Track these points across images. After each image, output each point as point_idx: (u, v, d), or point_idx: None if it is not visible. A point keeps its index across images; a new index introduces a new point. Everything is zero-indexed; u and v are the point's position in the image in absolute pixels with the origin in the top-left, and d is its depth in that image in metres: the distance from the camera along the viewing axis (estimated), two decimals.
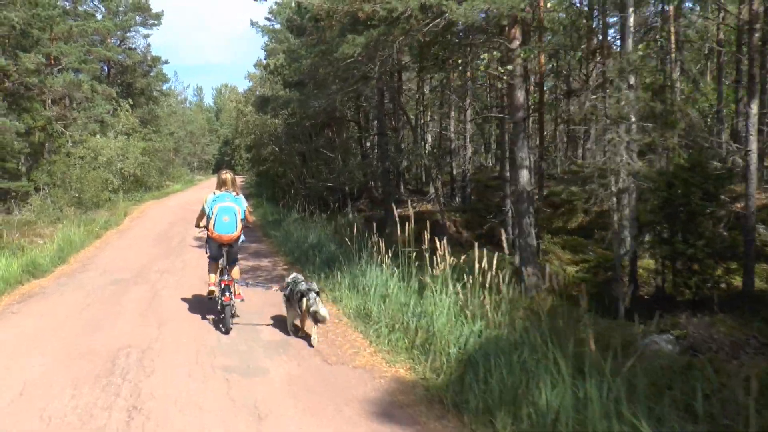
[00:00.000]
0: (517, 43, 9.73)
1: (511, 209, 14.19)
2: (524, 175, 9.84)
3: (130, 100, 34.71)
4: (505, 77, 9.99)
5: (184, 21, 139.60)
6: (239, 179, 57.91)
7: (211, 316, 7.86)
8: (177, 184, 44.84)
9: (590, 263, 12.63)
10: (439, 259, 6.78)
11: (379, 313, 7.30)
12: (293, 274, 7.44)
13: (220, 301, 7.36)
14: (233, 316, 7.28)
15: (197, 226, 7.91)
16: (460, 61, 17.94)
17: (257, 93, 27.41)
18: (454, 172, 20.42)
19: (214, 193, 7.39)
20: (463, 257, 7.01)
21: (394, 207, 19.11)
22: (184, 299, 8.96)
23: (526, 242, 9.76)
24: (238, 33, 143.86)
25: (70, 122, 23.16)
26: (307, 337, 6.83)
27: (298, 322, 7.05)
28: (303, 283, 6.97)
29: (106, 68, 40.30)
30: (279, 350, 6.52)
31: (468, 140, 20.92)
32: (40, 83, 20.75)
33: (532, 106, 17.95)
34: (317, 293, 6.69)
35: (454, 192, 20.38)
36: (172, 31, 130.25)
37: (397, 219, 8.78)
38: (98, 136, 30.51)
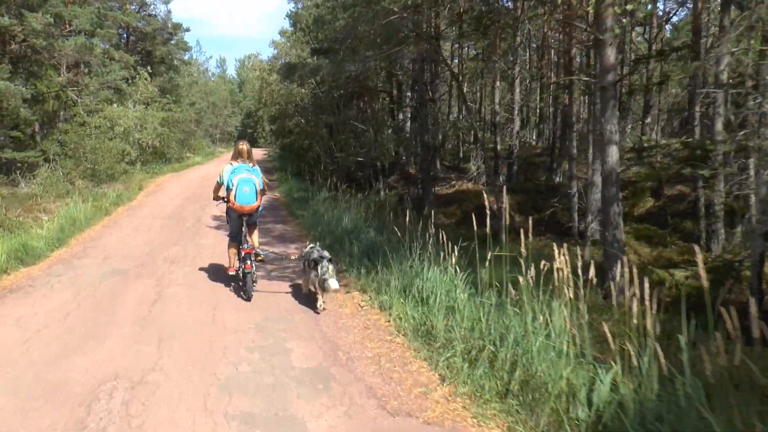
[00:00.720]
0: None
1: (578, 192, 12.28)
2: (613, 153, 7.96)
3: (149, 68, 33.01)
4: (588, 30, 8.07)
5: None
6: (261, 152, 56.68)
7: (225, 332, 6.16)
8: (198, 156, 43.27)
9: (707, 266, 10.40)
10: (521, 261, 4.95)
11: (448, 334, 5.55)
12: (310, 244, 7.63)
13: (241, 270, 7.51)
14: (254, 282, 7.50)
15: (215, 198, 8.21)
16: (511, 23, 16.00)
17: (282, 61, 25.53)
18: (498, 147, 18.52)
19: (231, 164, 7.52)
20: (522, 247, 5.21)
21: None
22: (193, 301, 7.25)
23: (614, 236, 7.91)
24: (264, 7, 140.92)
25: (82, 88, 21.43)
26: (314, 303, 6.97)
27: (311, 287, 7.09)
28: (316, 251, 7.12)
29: (125, 35, 38.73)
30: (317, 385, 4.80)
31: (516, 113, 18.91)
32: (49, 46, 19.06)
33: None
34: (330, 260, 6.89)
35: (498, 170, 18.50)
36: (195, 4, 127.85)
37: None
38: (115, 105, 29.03)
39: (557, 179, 17.83)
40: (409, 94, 26.59)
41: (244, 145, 7.69)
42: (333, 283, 6.60)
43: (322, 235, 11.25)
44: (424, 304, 6.37)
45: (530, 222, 5.36)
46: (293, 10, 33.37)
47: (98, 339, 5.82)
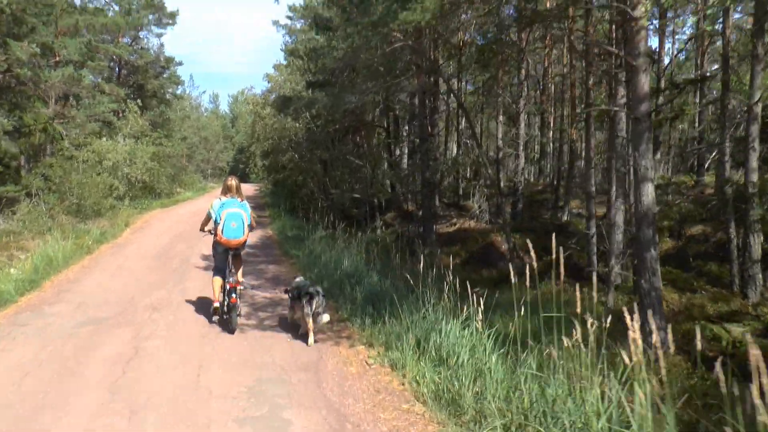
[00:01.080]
0: (642, 9, 7.06)
1: (596, 233, 11.43)
2: (649, 191, 7.13)
3: (138, 101, 32.31)
4: (620, 54, 7.31)
5: (200, 32, 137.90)
6: (253, 188, 55.85)
7: (210, 399, 5.22)
8: (189, 191, 42.41)
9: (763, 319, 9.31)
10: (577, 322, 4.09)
11: (479, 404, 4.63)
12: (299, 278, 7.95)
13: (226, 303, 7.41)
14: (239, 315, 7.60)
15: (201, 230, 8.31)
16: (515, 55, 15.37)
17: (275, 95, 24.92)
18: (502, 184, 17.76)
19: (220, 198, 7.68)
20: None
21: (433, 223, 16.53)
22: (175, 359, 6.30)
23: (650, 284, 7.06)
24: (256, 45, 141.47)
25: (68, 121, 20.57)
26: (305, 337, 6.99)
27: (298, 321, 7.29)
28: (308, 285, 7.22)
29: (116, 68, 38.17)
30: None
31: (521, 148, 18.17)
32: (35, 77, 18.31)
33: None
34: (323, 295, 7.04)
35: (502, 207, 17.69)
36: (189, 42, 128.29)
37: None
38: (104, 138, 28.27)
39: (564, 217, 17.02)
40: (406, 128, 25.98)
41: (233, 181, 7.87)
42: (325, 317, 6.96)
43: (319, 278, 10.36)
44: (444, 365, 5.47)
45: (559, 265, 4.49)
46: (287, 43, 33.06)
47: (57, 410, 4.85)
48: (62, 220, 19.69)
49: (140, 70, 37.01)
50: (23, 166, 23.05)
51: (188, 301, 9.07)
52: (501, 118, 18.30)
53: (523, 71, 17.90)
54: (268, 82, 26.76)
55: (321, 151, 22.60)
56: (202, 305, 8.72)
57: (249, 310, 8.64)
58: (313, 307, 6.79)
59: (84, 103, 22.33)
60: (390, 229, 21.99)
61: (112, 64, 38.43)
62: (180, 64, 41.08)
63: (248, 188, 61.88)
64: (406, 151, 25.13)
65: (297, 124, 24.13)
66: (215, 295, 7.68)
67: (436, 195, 20.76)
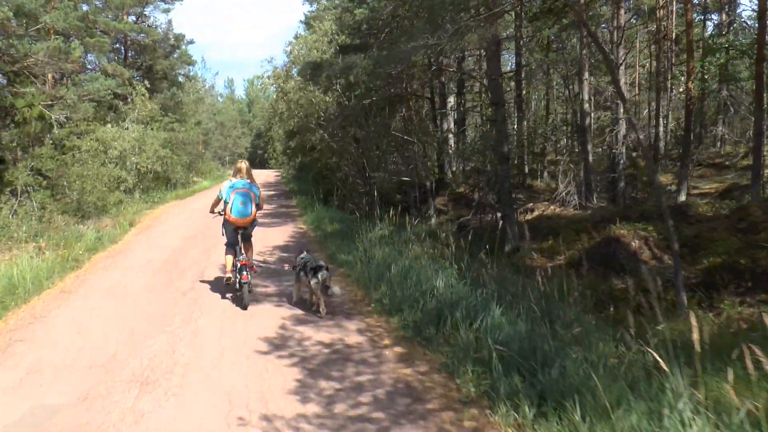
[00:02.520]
0: None
1: None
2: None
3: (146, 82, 29.01)
4: None
5: (213, 16, 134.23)
6: (274, 174, 52.60)
7: None
8: (206, 180, 39.25)
9: None
10: None
11: None
12: (303, 253, 7.88)
13: (237, 280, 7.74)
14: (250, 292, 7.77)
15: (211, 212, 8.58)
16: None
17: (297, 69, 21.43)
18: (590, 158, 14.17)
19: (230, 180, 8.01)
20: None
21: (505, 210, 13.07)
22: None
23: None
24: (274, 32, 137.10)
25: (56, 101, 17.20)
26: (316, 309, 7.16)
27: (305, 295, 7.67)
28: (313, 260, 7.40)
29: (122, 49, 34.93)
30: None
31: (621, 111, 14.38)
32: (9, 48, 15.06)
33: None
34: (327, 269, 7.14)
35: (591, 187, 14.17)
36: (201, 24, 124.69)
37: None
38: (110, 125, 25.10)
39: (680, 197, 13.37)
40: (451, 99, 22.42)
41: (242, 163, 8.21)
42: (337, 288, 7.27)
43: (396, 304, 7.01)
44: None
45: None
46: (310, 11, 29.49)
47: None
48: (57, 222, 16.61)
49: (148, 49, 33.65)
50: (20, 159, 19.99)
51: (200, 361, 5.70)
52: (586, 75, 14.65)
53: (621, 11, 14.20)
54: (289, 54, 23.27)
55: (355, 128, 19.18)
56: (222, 370, 5.38)
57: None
58: (320, 278, 6.94)
59: (74, 80, 18.84)
60: (442, 216, 18.57)
61: (117, 44, 35.29)
62: (191, 42, 37.69)
63: (269, 174, 58.72)
64: (452, 125, 21.65)
65: (327, 98, 20.65)
66: (228, 266, 8.02)
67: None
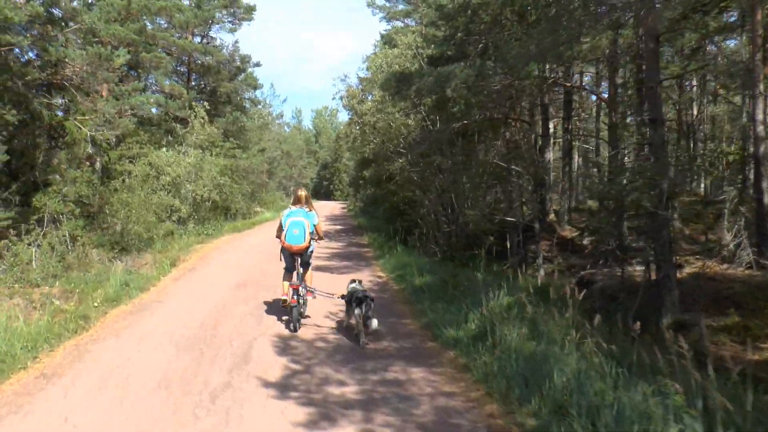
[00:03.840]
0: None
1: None
2: None
3: (206, 104, 26.72)
4: None
5: (284, 51, 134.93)
6: (339, 206, 49.91)
7: None
8: (269, 210, 36.71)
9: None
10: None
11: None
12: (354, 283, 8.12)
13: (289, 304, 7.90)
14: (301, 316, 8.13)
15: (277, 236, 8.38)
16: None
17: (377, 80, 18.48)
18: (766, 198, 10.54)
19: (290, 208, 8.33)
20: None
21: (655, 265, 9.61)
22: None
23: None
24: (341, 63, 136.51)
25: (89, 111, 14.53)
26: (357, 338, 7.26)
27: (353, 322, 7.52)
28: (360, 291, 7.63)
29: (186, 71, 33.04)
30: None
31: None
32: (43, 52, 12.59)
33: None
34: (372, 300, 7.36)
35: (766, 234, 10.55)
36: (271, 59, 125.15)
37: None
38: (165, 149, 22.81)
39: None
40: (552, 124, 19.02)
41: (302, 192, 8.50)
42: (374, 322, 7.13)
43: None
44: None
45: None
46: (386, 30, 26.76)
47: None
48: (90, 257, 14.01)
49: (212, 71, 31.58)
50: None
51: None
52: (760, 87, 11.09)
53: None
54: (367, 69, 20.45)
55: (441, 156, 16.05)
56: None
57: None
58: (363, 310, 7.15)
59: (115, 90, 16.16)
60: (548, 265, 15.10)
61: (180, 66, 33.44)
62: (258, 65, 35.39)
63: (333, 207, 56.25)
64: (549, 155, 18.22)
65: (409, 121, 17.64)
66: (284, 291, 8.09)
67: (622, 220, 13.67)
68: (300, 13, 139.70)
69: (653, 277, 9.98)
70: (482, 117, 14.47)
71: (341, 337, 7.54)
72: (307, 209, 8.26)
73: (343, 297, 7.95)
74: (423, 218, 17.49)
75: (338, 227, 28.06)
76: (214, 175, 23.80)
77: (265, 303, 9.52)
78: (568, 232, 17.23)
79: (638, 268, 11.85)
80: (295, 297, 7.85)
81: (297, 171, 65.13)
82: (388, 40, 22.88)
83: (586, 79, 20.74)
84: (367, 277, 12.38)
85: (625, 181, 9.22)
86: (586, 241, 16.46)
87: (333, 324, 8.27)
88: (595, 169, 18.19)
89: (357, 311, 7.21)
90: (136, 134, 24.08)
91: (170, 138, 25.77)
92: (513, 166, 13.95)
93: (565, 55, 11.61)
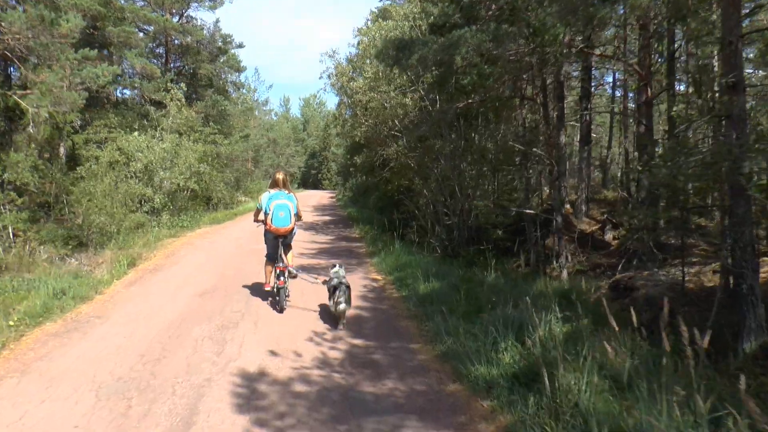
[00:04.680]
0: None
1: None
2: None
3: (182, 85, 24.54)
4: None
5: (274, 40, 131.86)
6: (328, 195, 47.81)
7: None
8: (253, 200, 34.56)
9: None
10: None
11: None
12: (335, 267, 7.82)
13: (275, 285, 8.07)
14: (287, 296, 8.18)
15: (255, 221, 8.62)
16: None
17: (369, 55, 16.34)
18: None
19: (269, 191, 8.29)
20: None
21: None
22: None
23: None
24: (321, 46, 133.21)
25: (31, 84, 12.35)
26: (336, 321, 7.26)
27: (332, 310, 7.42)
28: (337, 278, 7.47)
29: (163, 51, 30.81)
30: None
31: None
32: None
33: None
34: (347, 287, 7.33)
35: None
36: (255, 48, 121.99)
37: None
38: (136, 133, 20.71)
39: None
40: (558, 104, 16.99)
41: (280, 175, 8.46)
42: (341, 306, 7.12)
43: None
44: None
45: None
46: (377, 8, 24.55)
47: None
48: (36, 256, 12.00)
49: (191, 51, 29.36)
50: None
51: None
52: None
53: None
54: (357, 45, 18.33)
55: (443, 140, 14.07)
56: None
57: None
58: (336, 297, 7.16)
59: (62, 59, 13.79)
60: (566, 263, 13.14)
61: (158, 49, 31.21)
62: (241, 46, 33.18)
63: (322, 195, 54.11)
64: (562, 138, 16.17)
65: (407, 100, 15.59)
66: (268, 279, 8.32)
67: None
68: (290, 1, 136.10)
69: (719, 283, 8.07)
70: (493, 94, 12.46)
71: (328, 373, 5.56)
72: (287, 191, 8.27)
73: (325, 282, 7.95)
74: (421, 209, 15.51)
75: (326, 218, 26.02)
76: (192, 162, 21.67)
77: (233, 318, 7.52)
78: (586, 225, 15.32)
79: (689, 270, 9.94)
80: (282, 278, 7.95)
81: (284, 159, 62.99)
82: (381, 14, 20.74)
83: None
84: (359, 281, 10.40)
85: (693, 164, 7.20)
86: (608, 236, 14.57)
87: (315, 353, 6.29)
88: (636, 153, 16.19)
89: (331, 300, 7.36)
90: (104, 117, 22.02)
91: (144, 122, 23.66)
92: (534, 149, 11.94)
93: (597, 15, 9.58)
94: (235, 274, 10.56)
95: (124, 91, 29.10)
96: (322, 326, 7.29)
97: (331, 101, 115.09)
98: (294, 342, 6.59)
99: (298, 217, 8.34)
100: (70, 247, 13.23)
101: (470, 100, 13.67)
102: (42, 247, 12.49)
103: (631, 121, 17.61)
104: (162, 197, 19.63)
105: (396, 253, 12.19)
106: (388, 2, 21.55)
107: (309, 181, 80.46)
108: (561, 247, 11.63)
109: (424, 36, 12.43)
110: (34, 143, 16.80)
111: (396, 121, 16.06)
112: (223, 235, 17.11)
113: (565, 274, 11.43)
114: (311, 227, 20.80)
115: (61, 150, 20.65)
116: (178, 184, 20.64)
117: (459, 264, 12.58)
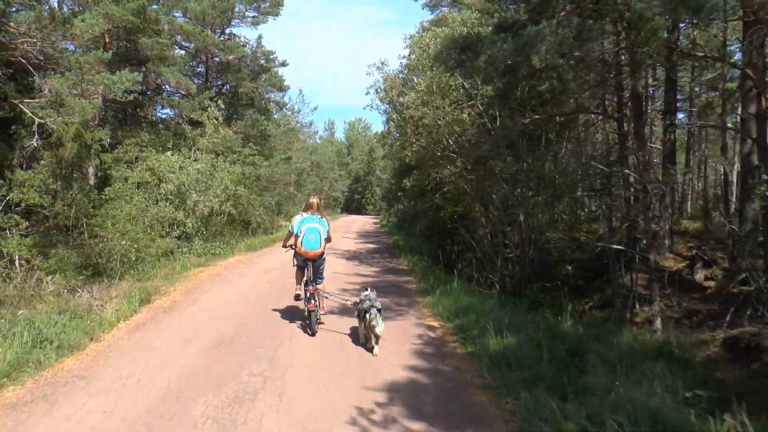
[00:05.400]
0: None
1: None
2: None
3: (219, 101, 23.21)
4: None
5: (315, 66, 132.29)
6: (371, 221, 46.14)
7: None
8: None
9: None
10: None
11: None
12: (366, 291, 7.73)
13: (306, 308, 8.06)
14: (318, 322, 8.18)
15: (284, 246, 8.72)
16: None
17: (423, 66, 14.56)
18: None
19: (301, 215, 8.34)
20: None
21: None
22: None
23: None
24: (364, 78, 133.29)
25: (36, 91, 10.91)
26: (370, 350, 7.05)
27: (364, 334, 7.36)
28: (368, 301, 7.30)
29: (204, 69, 29.74)
30: None
31: None
32: None
33: None
34: (378, 310, 7.08)
35: None
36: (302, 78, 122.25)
37: None
38: (170, 153, 19.38)
39: None
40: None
41: (314, 199, 8.50)
42: (379, 328, 6.97)
43: None
44: None
45: None
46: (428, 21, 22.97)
47: None
48: (43, 287, 10.53)
49: (231, 68, 28.15)
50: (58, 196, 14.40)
51: None
52: None
53: None
54: (408, 56, 16.60)
55: (506, 161, 12.20)
56: None
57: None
58: (368, 320, 7.00)
59: (72, 62, 12.10)
60: (648, 307, 11.01)
61: (197, 65, 30.22)
62: (284, 64, 31.96)
63: (365, 221, 52.43)
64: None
65: (464, 115, 13.78)
66: (297, 283, 8.33)
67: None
68: (343, 24, 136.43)
69: None
70: (570, 107, 10.56)
71: None
72: (319, 216, 8.27)
73: (355, 304, 7.95)
74: (479, 240, 13.59)
75: (370, 245, 24.24)
76: (228, 184, 20.17)
77: (252, 385, 5.74)
78: (672, 261, 13.17)
79: None
80: (313, 301, 7.95)
81: (328, 183, 61.60)
82: (435, 24, 19.03)
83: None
84: (412, 328, 8.55)
85: None
86: (699, 276, 12.39)
87: None
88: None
89: (362, 324, 7.28)
90: (136, 135, 20.80)
91: (180, 142, 22.37)
92: (624, 170, 9.96)
93: (707, 4, 7.69)
94: (261, 319, 8.83)
95: (164, 111, 28.10)
96: (367, 398, 5.45)
97: (377, 124, 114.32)
98: (331, 426, 4.77)
99: (328, 239, 8.23)
100: (83, 277, 11.70)
101: (537, 116, 11.84)
102: (50, 277, 10.97)
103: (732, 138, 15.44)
104: (194, 221, 18.12)
105: (455, 293, 10.26)
106: (445, 9, 19.92)
107: (352, 205, 79.25)
108: (653, 291, 9.57)
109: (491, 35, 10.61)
110: (64, 165, 15.62)
111: (451, 140, 14.23)
112: (255, 267, 15.42)
113: (658, 323, 9.34)
114: (354, 256, 19.05)
115: (90, 170, 19.42)
116: (212, 208, 19.11)
117: (522, 304, 10.74)
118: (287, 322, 8.63)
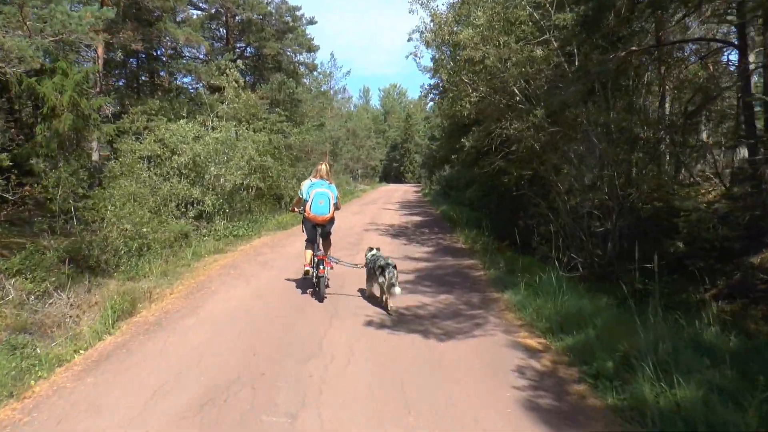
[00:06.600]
0: None
1: None
2: None
3: (239, 62, 20.36)
4: None
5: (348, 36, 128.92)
6: (413, 189, 43.14)
7: None
8: None
9: None
10: None
11: None
12: (373, 251, 8.06)
13: (314, 274, 8.04)
14: (327, 286, 8.18)
15: (292, 210, 8.89)
16: None
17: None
18: None
19: (310, 180, 8.27)
20: None
21: None
22: None
23: None
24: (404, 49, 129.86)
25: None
26: (385, 307, 7.18)
27: (376, 291, 7.65)
28: (382, 258, 7.50)
29: (224, 30, 27.08)
30: None
31: None
32: None
33: None
34: (395, 267, 7.18)
35: None
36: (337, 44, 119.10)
37: None
38: (183, 120, 16.81)
39: None
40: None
41: (322, 165, 8.44)
42: (397, 290, 7.02)
43: None
44: None
45: None
46: None
47: None
48: (4, 291, 8.06)
49: (254, 28, 25.36)
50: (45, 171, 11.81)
51: None
52: None
53: None
54: None
55: (599, 109, 9.26)
56: None
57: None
58: (387, 277, 7.02)
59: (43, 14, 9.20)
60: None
61: (217, 26, 27.56)
62: (312, 22, 29.05)
63: (406, 189, 49.59)
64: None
65: (538, 51, 10.73)
66: (307, 260, 8.07)
67: None
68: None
69: None
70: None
71: None
72: (328, 181, 8.22)
73: (365, 266, 7.92)
74: (560, 212, 10.63)
75: (416, 218, 21.41)
76: (252, 155, 17.45)
77: None
78: None
79: None
80: (322, 267, 7.90)
81: (365, 152, 58.61)
82: None
83: None
84: (503, 351, 5.74)
85: None
86: None
87: None
88: None
89: (381, 279, 7.16)
90: (144, 103, 18.24)
91: (196, 108, 19.79)
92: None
93: None
94: (282, 343, 6.09)
95: (183, 79, 25.64)
96: None
97: (413, 89, 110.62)
98: None
99: (336, 207, 8.19)
100: (54, 279, 9.08)
101: (633, 47, 8.89)
102: (12, 281, 8.43)
103: None
104: (215, 199, 15.50)
105: (549, 288, 7.30)
106: None
107: (391, 174, 76.50)
108: None
109: None
110: (59, 138, 13.26)
111: (520, 86, 11.20)
112: (281, 251, 12.73)
113: None
114: (400, 232, 16.26)
115: (94, 144, 16.94)
116: (235, 182, 16.44)
117: (615, 292, 7.89)
118: (317, 347, 5.88)
